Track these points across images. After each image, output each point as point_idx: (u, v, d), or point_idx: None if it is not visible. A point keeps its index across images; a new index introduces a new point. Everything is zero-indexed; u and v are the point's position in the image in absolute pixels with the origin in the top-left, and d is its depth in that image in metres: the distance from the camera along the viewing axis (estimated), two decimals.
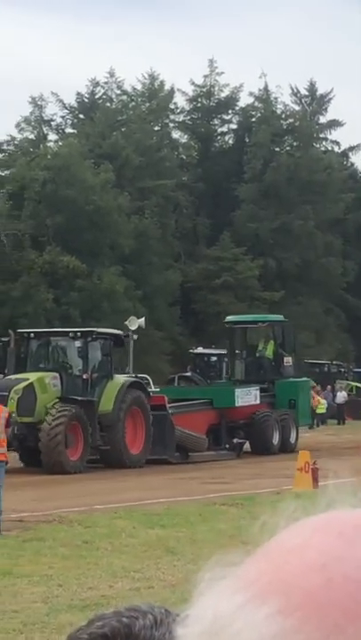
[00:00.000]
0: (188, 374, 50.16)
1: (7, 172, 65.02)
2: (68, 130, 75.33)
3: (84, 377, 31.37)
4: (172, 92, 78.13)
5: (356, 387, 63.39)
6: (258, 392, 37.44)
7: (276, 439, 36.77)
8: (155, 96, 77.27)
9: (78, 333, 33.08)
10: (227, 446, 35.96)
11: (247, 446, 36.57)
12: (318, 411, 56.59)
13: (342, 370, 68.04)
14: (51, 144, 70.51)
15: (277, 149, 77.46)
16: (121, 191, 63.26)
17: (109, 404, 31.07)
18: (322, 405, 57.15)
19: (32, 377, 30.30)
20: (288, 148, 78.50)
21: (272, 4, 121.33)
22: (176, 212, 71.30)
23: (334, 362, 68.86)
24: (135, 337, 47.46)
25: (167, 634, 1.35)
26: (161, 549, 16.39)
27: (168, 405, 33.42)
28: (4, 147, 72.27)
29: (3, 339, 34.06)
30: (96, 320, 56.47)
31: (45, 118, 74.83)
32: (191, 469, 31.02)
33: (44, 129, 74.42)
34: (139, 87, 77.46)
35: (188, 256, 70.99)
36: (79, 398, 30.29)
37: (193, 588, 0.79)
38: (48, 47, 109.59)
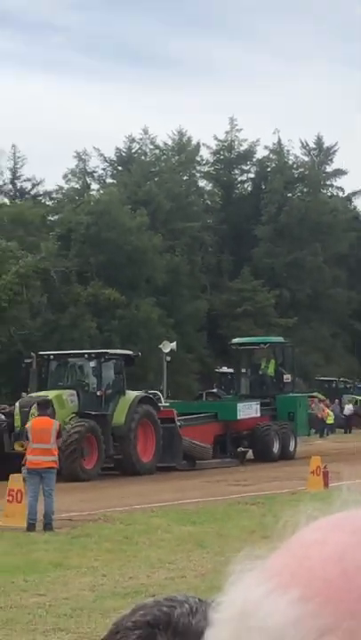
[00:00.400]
0: (215, 390, 49.94)
1: (56, 217, 65.39)
2: (109, 180, 75.80)
3: (99, 393, 30.57)
4: (198, 146, 78.51)
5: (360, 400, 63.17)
6: (258, 406, 36.54)
7: (276, 448, 35.96)
8: (183, 150, 77.58)
9: (92, 354, 32.35)
10: (231, 454, 35.10)
11: (250, 454, 35.80)
12: (328, 421, 56.51)
13: (348, 386, 67.89)
14: (93, 192, 70.92)
15: (290, 195, 77.54)
16: (155, 232, 63.43)
17: (122, 417, 30.30)
18: (331, 417, 57.07)
19: (51, 394, 29.18)
20: (299, 194, 78.58)
21: (286, 70, 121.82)
22: (202, 249, 71.45)
23: (341, 379, 68.74)
24: (168, 359, 47.56)
25: (202, 620, 1.33)
26: (192, 543, 16.35)
27: (177, 418, 32.57)
28: (54, 195, 72.81)
29: (26, 360, 33.42)
30: (134, 344, 56.55)
31: (88, 170, 75.41)
32: (217, 474, 30.84)
33: (88, 179, 74.89)
34: (169, 142, 77.95)
35: (214, 288, 71.09)
36: (94, 413, 29.57)
37: (225, 578, 0.80)
38: (91, 109, 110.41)
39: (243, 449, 35.66)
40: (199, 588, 11.49)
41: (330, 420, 56.69)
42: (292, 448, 36.85)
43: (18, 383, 37.83)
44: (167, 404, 36.07)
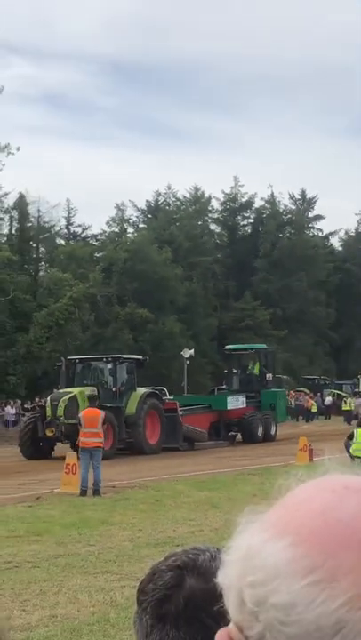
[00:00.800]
0: (223, 387, 49.67)
1: (101, 254, 65.47)
2: (141, 225, 75.81)
3: (114, 389, 29.46)
4: (209, 198, 78.50)
5: (337, 393, 62.90)
6: (244, 398, 35.38)
7: (260, 432, 34.96)
8: (198, 201, 77.57)
9: (109, 358, 30.99)
10: (223, 437, 34.12)
11: (239, 437, 34.91)
12: (312, 410, 56.30)
13: (327, 382, 67.62)
14: (129, 235, 70.96)
15: (281, 235, 77.43)
16: (176, 265, 63.43)
17: (133, 408, 29.29)
18: (314, 406, 56.87)
19: (75, 391, 28.63)
20: (288, 234, 78.44)
21: (277, 139, 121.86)
22: (213, 278, 71.37)
23: (322, 377, 68.47)
24: (188, 362, 47.46)
25: (219, 564, 1.37)
26: (208, 505, 16.33)
27: (179, 409, 31.48)
28: (99, 237, 72.92)
29: (57, 364, 32.27)
30: (161, 352, 56.57)
31: (125, 218, 75.42)
32: (226, 451, 30.71)
33: (125, 225, 74.95)
34: (187, 195, 77.86)
35: (222, 307, 71.00)
36: (110, 405, 28.06)
37: (233, 529, 0.82)
38: (126, 171, 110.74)
39: (233, 433, 34.75)
40: (213, 540, 11.48)
41: (314, 409, 56.50)
42: (273, 432, 35.81)
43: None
44: (171, 398, 34.67)
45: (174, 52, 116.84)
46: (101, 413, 19.88)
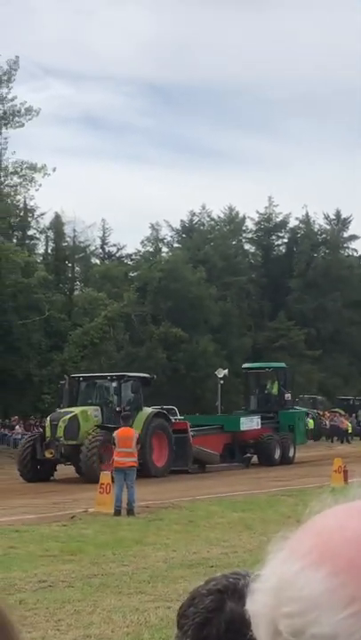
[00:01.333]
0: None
1: (135, 274, 65.69)
2: (175, 245, 75.95)
3: (118, 409, 27.34)
4: (243, 218, 78.51)
5: None
6: (259, 419, 34.02)
7: (277, 454, 33.66)
8: (232, 221, 77.63)
9: (114, 377, 29.71)
10: (239, 460, 32.79)
11: (255, 459, 33.54)
12: (348, 431, 55.93)
13: None
14: (163, 254, 71.10)
15: (315, 255, 77.20)
16: (210, 284, 63.45)
17: (139, 429, 26.73)
18: (350, 427, 56.47)
19: (77, 410, 27.43)
20: (322, 254, 78.18)
21: (312, 159, 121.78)
22: (248, 298, 71.27)
23: (357, 397, 67.95)
24: (222, 382, 47.35)
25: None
26: (242, 526, 16.25)
27: (190, 429, 30.06)
28: (133, 257, 73.16)
29: (61, 382, 31.09)
30: (195, 371, 56.51)
31: (160, 237, 75.63)
32: (260, 471, 30.45)
33: (159, 244, 75.14)
34: (221, 215, 77.97)
35: (257, 327, 70.81)
36: (113, 425, 25.84)
37: (264, 556, 0.83)
38: (162, 190, 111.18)
39: (248, 455, 33.39)
40: (247, 561, 11.43)
41: (349, 430, 56.11)
42: (291, 454, 34.56)
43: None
44: (182, 418, 33.67)
45: (209, 72, 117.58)
46: (135, 433, 19.91)
